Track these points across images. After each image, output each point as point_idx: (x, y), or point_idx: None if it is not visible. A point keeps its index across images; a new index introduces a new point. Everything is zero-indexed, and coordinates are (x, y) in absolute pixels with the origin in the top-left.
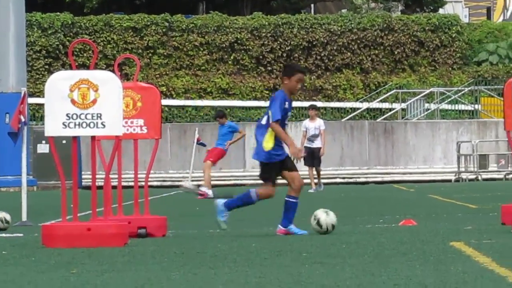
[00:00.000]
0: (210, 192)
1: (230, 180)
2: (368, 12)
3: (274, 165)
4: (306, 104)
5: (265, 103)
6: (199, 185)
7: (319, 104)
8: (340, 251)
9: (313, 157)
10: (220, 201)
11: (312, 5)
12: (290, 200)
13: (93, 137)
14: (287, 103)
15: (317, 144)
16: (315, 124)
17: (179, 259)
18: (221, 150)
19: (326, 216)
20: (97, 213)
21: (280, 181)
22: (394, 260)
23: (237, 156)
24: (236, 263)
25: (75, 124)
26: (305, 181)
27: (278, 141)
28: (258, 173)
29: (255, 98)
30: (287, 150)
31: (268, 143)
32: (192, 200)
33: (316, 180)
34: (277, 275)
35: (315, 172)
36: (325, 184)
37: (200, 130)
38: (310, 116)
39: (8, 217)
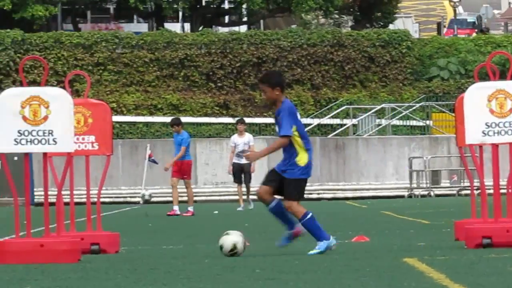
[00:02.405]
0: (191, 209)
1: (182, 196)
2: (318, 28)
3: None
4: (256, 120)
5: (216, 119)
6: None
7: (269, 120)
8: (293, 267)
9: (242, 174)
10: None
11: (262, 21)
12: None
13: (44, 154)
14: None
15: (246, 160)
16: (244, 140)
17: (133, 276)
18: (185, 163)
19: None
20: (50, 230)
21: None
22: (347, 276)
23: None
24: (190, 280)
25: (26, 141)
26: (234, 197)
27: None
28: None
29: (206, 115)
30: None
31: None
32: (144, 217)
33: (244, 197)
34: None
35: (244, 189)
36: None
37: (151, 146)
38: (238, 130)
39: None
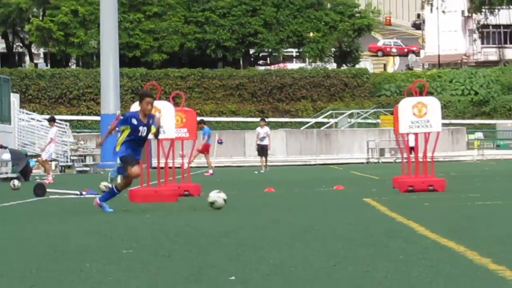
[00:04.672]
0: (211, 171)
1: (235, 163)
2: (315, 67)
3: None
4: (279, 119)
5: (257, 119)
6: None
7: (287, 119)
8: (303, 203)
9: (263, 151)
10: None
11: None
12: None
13: (158, 140)
14: (134, 119)
15: (265, 142)
16: (264, 130)
17: (209, 210)
18: (205, 144)
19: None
20: (160, 182)
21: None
22: (331, 209)
23: (239, 149)
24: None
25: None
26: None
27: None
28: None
29: (251, 116)
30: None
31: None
32: (216, 176)
33: (265, 164)
34: (260, 219)
35: (264, 159)
36: (290, 166)
37: (220, 134)
38: (260, 125)
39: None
